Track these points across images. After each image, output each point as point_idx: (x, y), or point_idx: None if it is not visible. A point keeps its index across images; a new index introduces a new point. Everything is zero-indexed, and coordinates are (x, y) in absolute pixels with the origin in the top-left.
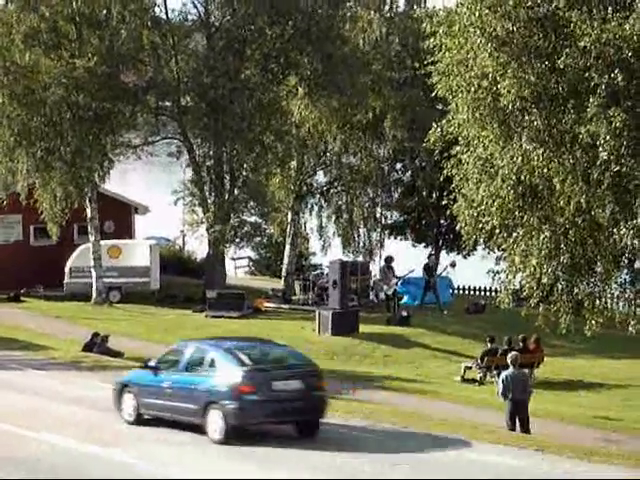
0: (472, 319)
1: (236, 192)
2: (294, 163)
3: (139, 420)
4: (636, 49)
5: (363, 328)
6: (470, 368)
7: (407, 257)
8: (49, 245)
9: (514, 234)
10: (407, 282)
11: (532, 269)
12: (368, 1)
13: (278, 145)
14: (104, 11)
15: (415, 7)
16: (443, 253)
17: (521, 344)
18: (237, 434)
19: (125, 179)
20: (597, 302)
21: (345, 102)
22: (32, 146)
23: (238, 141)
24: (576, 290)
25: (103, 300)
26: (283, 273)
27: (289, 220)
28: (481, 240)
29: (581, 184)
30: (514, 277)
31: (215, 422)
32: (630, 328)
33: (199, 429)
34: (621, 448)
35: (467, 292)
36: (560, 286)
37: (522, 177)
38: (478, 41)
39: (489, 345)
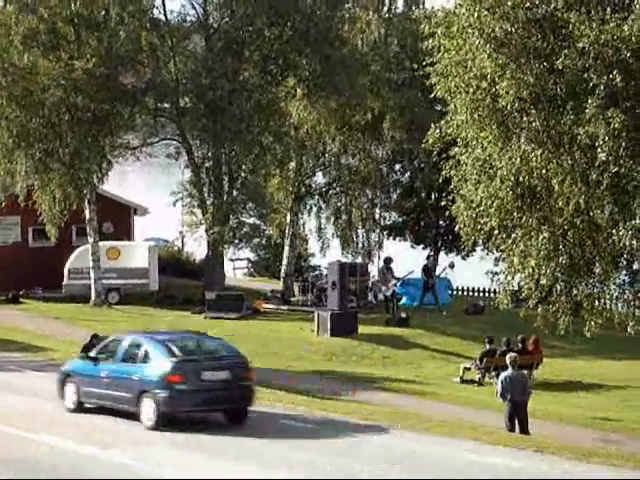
0: (471, 320)
1: (235, 193)
2: (293, 164)
3: (80, 408)
4: (635, 50)
5: (362, 329)
6: (469, 369)
7: (406, 258)
8: (48, 246)
9: (513, 235)
10: (406, 283)
11: (531, 270)
12: (367, 2)
13: (277, 146)
14: (103, 12)
15: (414, 8)
16: (442, 254)
17: (520, 345)
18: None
19: (124, 180)
20: (596, 303)
21: (344, 103)
22: (31, 148)
23: (237, 142)
24: (575, 291)
25: (102, 301)
26: (282, 274)
27: (288, 221)
28: (480, 241)
29: (580, 185)
30: (513, 278)
31: (147, 410)
32: (629, 329)
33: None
34: (620, 449)
35: (466, 293)
36: (559, 287)
37: (521, 178)
38: (477, 42)
39: (488, 346)
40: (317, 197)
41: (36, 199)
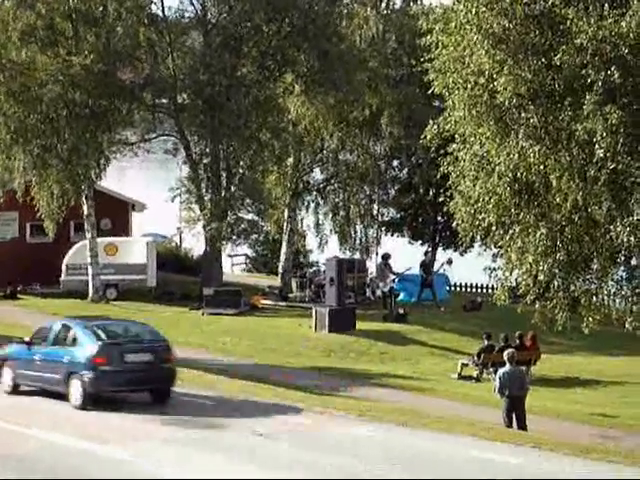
0: (469, 316)
1: (233, 189)
2: (291, 160)
3: (16, 390)
4: (632, 46)
5: (360, 325)
6: (467, 365)
7: (404, 254)
8: (46, 242)
9: (511, 231)
10: (404, 279)
11: (529, 266)
12: None
13: (275, 142)
14: (100, 8)
15: (411, 4)
16: (440, 250)
17: (518, 341)
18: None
19: (122, 176)
20: (594, 299)
21: (342, 99)
22: (29, 143)
23: (235, 138)
24: (572, 287)
25: (100, 297)
26: (280, 270)
27: (286, 217)
28: (478, 237)
29: (577, 181)
30: (511, 274)
31: (75, 390)
32: (627, 325)
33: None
34: (618, 445)
35: (464, 289)
36: (557, 283)
37: (519, 174)
38: (474, 38)
39: (486, 342)
40: (315, 193)
41: (34, 195)
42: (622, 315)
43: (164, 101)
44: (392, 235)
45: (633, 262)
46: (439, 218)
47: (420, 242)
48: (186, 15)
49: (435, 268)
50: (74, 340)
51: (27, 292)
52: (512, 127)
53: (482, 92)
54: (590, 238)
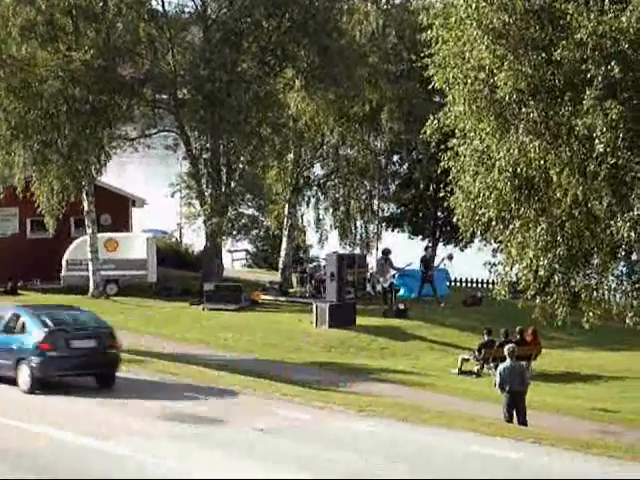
0: (469, 311)
1: (233, 185)
2: (291, 156)
3: None
4: (633, 41)
5: (360, 320)
6: (467, 360)
7: (404, 249)
8: (46, 238)
9: (511, 226)
10: (404, 274)
11: (529, 261)
12: None
13: (275, 138)
14: (100, 4)
15: None
16: (440, 245)
17: (518, 336)
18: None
19: (122, 172)
20: (594, 294)
21: (342, 94)
22: (29, 139)
23: (235, 134)
24: (573, 282)
25: (100, 293)
26: (280, 266)
27: (286, 213)
28: (478, 232)
29: (577, 176)
30: (511, 269)
31: (24, 375)
32: (627, 320)
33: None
34: (619, 440)
35: (464, 284)
36: (557, 278)
37: (519, 169)
38: (475, 33)
39: (486, 337)
40: (315, 188)
41: (34, 190)
42: (622, 310)
43: (164, 97)
44: (392, 230)
45: (633, 257)
46: (439, 213)
47: (420, 237)
48: (186, 10)
49: (435, 263)
50: (23, 327)
51: (27, 288)
52: (512, 122)
53: (482, 87)
54: (590, 233)
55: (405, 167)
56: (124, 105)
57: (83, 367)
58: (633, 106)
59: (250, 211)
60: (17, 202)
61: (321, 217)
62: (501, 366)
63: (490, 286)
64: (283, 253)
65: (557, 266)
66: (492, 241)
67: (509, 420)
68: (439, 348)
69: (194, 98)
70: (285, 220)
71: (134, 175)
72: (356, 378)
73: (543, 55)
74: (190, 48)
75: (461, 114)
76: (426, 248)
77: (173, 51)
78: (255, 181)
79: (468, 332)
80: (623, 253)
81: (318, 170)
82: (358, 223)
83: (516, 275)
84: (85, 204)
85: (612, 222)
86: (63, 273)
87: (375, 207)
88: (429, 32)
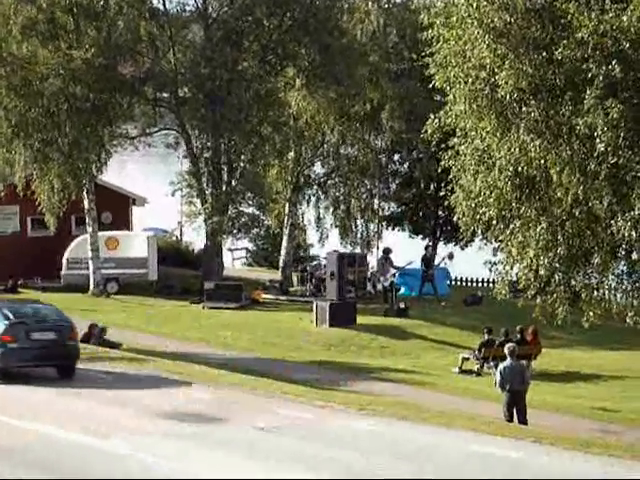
0: (469, 310)
1: (234, 183)
2: (292, 154)
3: None
4: (633, 40)
5: (360, 319)
6: (468, 359)
7: (405, 248)
8: (47, 236)
9: (511, 225)
10: (405, 273)
11: (529, 260)
12: None
13: (276, 136)
14: (101, 2)
15: None
16: (441, 244)
17: (518, 335)
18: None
19: (123, 170)
20: (594, 293)
21: (343, 93)
22: (29, 137)
23: (236, 132)
24: (573, 281)
25: (101, 291)
26: (281, 264)
27: (287, 211)
28: (479, 231)
29: (578, 176)
30: (511, 268)
31: None
32: (628, 319)
33: None
34: (619, 439)
35: (464, 283)
36: (557, 277)
37: (519, 168)
38: (476, 32)
39: (486, 336)
40: (316, 187)
41: (35, 189)
42: (623, 309)
43: (165, 95)
44: (393, 229)
45: (634, 256)
46: (440, 212)
47: (421, 236)
48: (187, 9)
49: (436, 262)
50: None
51: (28, 286)
52: (513, 121)
53: (483, 86)
54: (591, 232)
55: (406, 166)
56: (125, 103)
57: (43, 358)
58: (634, 105)
59: (251, 210)
60: (18, 200)
61: (321, 216)
62: (501, 365)
63: (490, 285)
64: (283, 252)
65: (557, 265)
66: (492, 240)
67: (509, 419)
68: (439, 347)
69: (195, 96)
70: (285, 219)
71: (135, 173)
72: (357, 377)
73: (544, 54)
74: (191, 46)
75: (462, 113)
76: (426, 247)
77: (174, 49)
78: (256, 180)
79: (468, 331)
80: (623, 252)
81: (319, 169)
82: (359, 222)
83: (516, 274)
84: (86, 202)
85: (612, 221)
86: (64, 271)
87: (375, 206)
88: (430, 31)
